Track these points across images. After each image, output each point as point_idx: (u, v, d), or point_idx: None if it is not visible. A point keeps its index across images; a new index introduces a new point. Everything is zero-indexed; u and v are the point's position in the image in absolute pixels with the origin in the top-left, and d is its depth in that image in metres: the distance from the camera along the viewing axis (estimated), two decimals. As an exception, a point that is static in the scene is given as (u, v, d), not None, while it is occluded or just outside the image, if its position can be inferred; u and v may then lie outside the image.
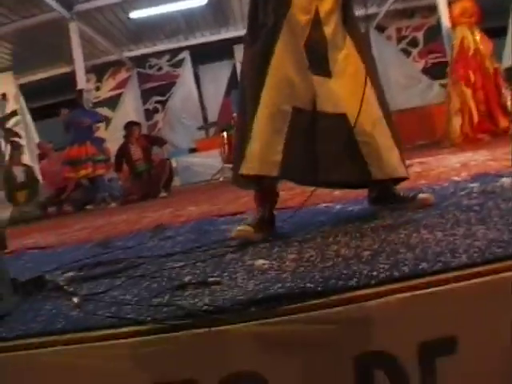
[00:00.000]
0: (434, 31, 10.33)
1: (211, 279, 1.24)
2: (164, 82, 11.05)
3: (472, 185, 2.16)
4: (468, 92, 6.31)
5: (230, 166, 7.24)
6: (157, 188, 6.30)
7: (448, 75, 6.91)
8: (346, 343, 0.94)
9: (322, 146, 1.73)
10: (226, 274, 1.29)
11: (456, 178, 2.55)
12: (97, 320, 1.05)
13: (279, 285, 1.09)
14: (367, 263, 1.14)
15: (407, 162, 2.00)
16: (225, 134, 7.37)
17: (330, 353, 0.93)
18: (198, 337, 0.94)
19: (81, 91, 7.08)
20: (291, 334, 0.94)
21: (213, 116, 10.89)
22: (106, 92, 10.51)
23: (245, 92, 1.88)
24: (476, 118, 6.16)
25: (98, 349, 0.96)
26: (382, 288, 0.98)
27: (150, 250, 1.94)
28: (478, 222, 1.38)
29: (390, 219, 1.71)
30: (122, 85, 10.99)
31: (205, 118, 10.95)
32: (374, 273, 1.05)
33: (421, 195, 1.92)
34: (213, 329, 0.93)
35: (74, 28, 7.97)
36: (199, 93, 11.02)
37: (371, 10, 11.02)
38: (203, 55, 10.74)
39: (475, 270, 0.98)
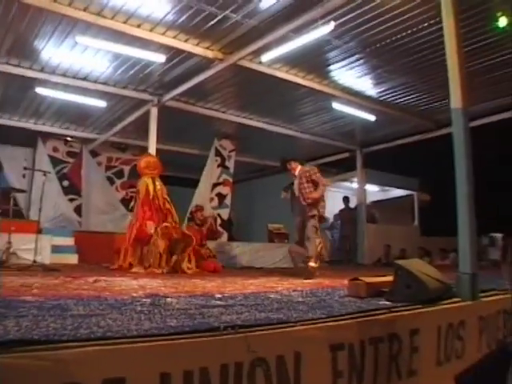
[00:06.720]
0: (139, 169, 11.79)
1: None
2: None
3: (144, 299, 2.95)
4: (153, 228, 7.56)
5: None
6: None
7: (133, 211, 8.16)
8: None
9: None
10: None
11: (134, 294, 3.30)
12: None
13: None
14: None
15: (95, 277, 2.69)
16: None
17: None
18: None
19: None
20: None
21: None
22: None
23: None
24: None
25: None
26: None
27: None
28: (145, 318, 2.12)
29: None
30: None
31: None
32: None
33: None
34: None
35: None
36: None
37: (91, 135, 11.91)
38: None
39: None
